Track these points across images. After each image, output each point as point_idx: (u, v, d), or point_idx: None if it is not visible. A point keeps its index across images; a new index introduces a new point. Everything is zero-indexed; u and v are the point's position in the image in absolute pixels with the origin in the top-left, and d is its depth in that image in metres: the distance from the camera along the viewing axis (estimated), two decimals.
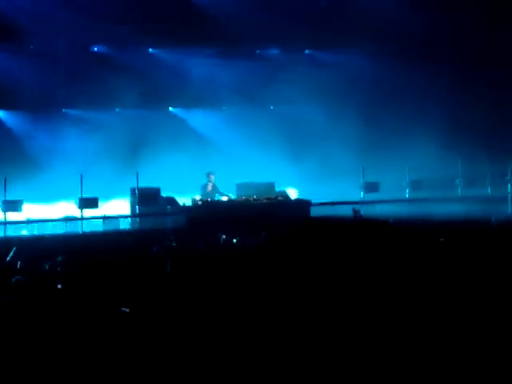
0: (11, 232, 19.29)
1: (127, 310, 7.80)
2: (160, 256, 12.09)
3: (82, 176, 19.87)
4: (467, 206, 20.61)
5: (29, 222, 19.74)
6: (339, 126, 23.84)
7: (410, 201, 22.79)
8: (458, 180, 23.31)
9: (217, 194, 20.95)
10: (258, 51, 25.04)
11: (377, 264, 10.28)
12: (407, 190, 23.21)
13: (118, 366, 7.21)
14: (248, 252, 12.04)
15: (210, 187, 21.07)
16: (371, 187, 22.71)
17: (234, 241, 14.60)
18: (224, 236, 14.87)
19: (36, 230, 19.71)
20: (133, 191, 20.50)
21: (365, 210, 19.99)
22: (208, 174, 21.21)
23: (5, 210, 19.36)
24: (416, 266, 10.12)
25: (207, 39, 23.48)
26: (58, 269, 11.27)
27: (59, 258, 11.89)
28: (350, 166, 22.75)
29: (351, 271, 9.87)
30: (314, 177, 23.52)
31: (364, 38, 24.00)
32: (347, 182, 22.56)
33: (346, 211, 18.23)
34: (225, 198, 20.66)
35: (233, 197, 20.75)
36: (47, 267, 10.84)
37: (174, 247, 13.36)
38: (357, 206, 19.49)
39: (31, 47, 22.23)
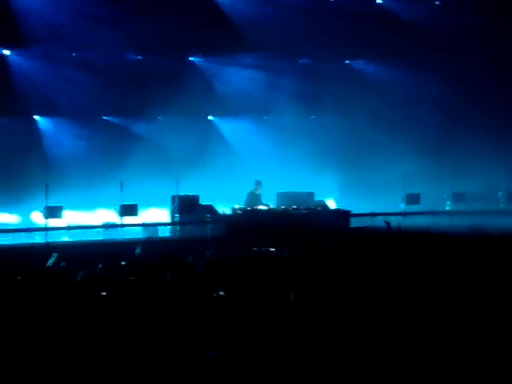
0: (52, 238, 19.41)
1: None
2: (193, 264, 12.10)
3: (122, 183, 19.96)
4: (508, 220, 20.22)
5: (69, 228, 19.88)
6: (380, 137, 23.69)
7: (449, 213, 22.59)
8: (499, 193, 23.09)
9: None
10: (300, 61, 24.94)
11: (416, 273, 10.20)
12: (448, 203, 23.02)
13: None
14: (284, 261, 12.00)
15: (255, 194, 21.01)
16: (412, 199, 22.56)
17: (273, 250, 14.55)
18: (262, 245, 14.82)
19: (76, 237, 19.80)
20: (173, 199, 20.56)
21: (405, 222, 19.86)
22: (256, 183, 21.12)
23: (46, 217, 19.53)
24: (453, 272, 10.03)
25: (246, 48, 23.40)
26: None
27: (99, 266, 11.98)
28: (392, 178, 22.58)
29: (389, 280, 9.80)
30: (354, 188, 23.41)
31: (405, 49, 23.91)
32: (389, 193, 22.44)
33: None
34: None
35: (272, 207, 20.72)
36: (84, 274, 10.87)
37: (210, 256, 13.34)
38: (395, 218, 19.37)
39: (73, 55, 22.30)
